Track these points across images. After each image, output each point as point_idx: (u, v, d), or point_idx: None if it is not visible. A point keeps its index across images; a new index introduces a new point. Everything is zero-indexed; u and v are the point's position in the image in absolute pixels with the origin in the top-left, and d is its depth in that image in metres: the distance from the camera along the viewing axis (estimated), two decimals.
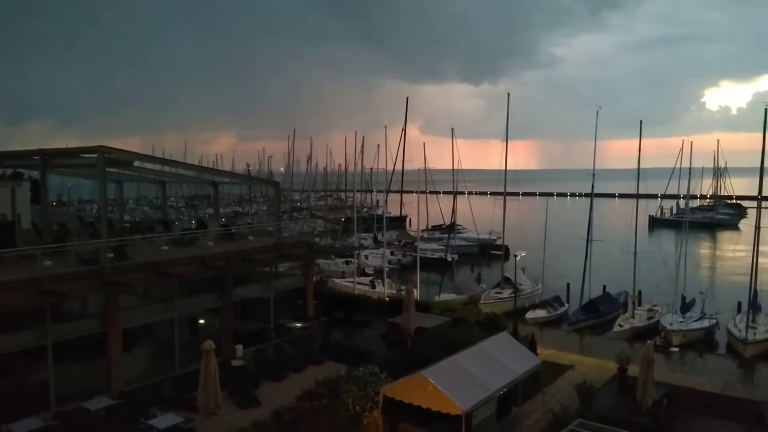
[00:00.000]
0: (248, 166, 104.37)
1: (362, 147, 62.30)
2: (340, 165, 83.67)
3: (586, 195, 40.55)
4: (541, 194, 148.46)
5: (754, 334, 26.91)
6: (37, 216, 25.56)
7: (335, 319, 27.00)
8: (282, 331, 24.30)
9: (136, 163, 24.58)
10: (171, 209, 66.12)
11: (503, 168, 40.05)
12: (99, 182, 21.46)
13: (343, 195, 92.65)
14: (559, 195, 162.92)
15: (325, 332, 24.70)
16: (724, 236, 78.89)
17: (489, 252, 54.24)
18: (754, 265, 29.02)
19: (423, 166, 57.95)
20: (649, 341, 20.77)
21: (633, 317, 31.41)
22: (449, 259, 50.15)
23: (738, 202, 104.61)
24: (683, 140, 70.93)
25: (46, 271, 16.13)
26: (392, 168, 55.92)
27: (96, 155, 20.24)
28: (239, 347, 21.27)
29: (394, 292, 35.41)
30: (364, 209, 78.81)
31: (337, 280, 40.60)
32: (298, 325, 24.76)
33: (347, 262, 44.85)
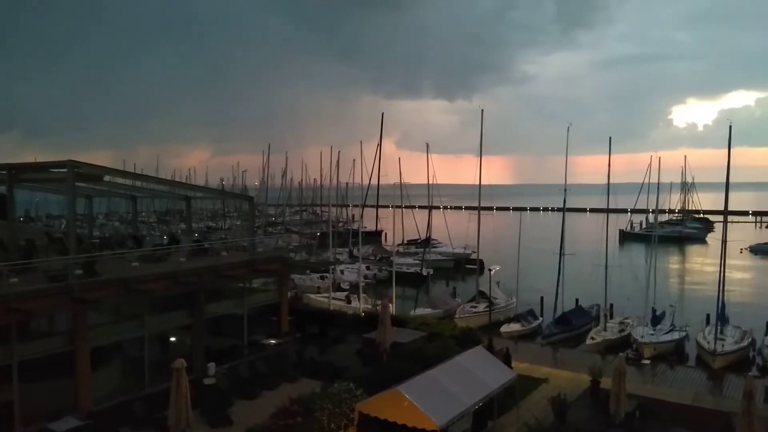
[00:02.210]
0: (222, 180, 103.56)
1: (338, 162, 62.42)
2: (315, 179, 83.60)
3: (559, 209, 41.24)
4: (515, 209, 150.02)
5: (723, 345, 27.47)
6: (3, 232, 24.85)
7: (310, 335, 26.76)
8: (256, 347, 23.97)
9: (107, 178, 24.15)
10: (142, 224, 65.02)
11: (477, 183, 40.49)
12: (68, 197, 21.00)
13: (318, 210, 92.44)
14: (533, 209, 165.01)
15: (300, 348, 24.45)
16: (692, 250, 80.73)
17: (464, 266, 54.63)
18: (722, 278, 29.67)
19: (398, 181, 58.23)
20: (620, 354, 21.02)
21: (605, 330, 31.82)
22: (425, 274, 50.28)
23: (705, 216, 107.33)
24: (652, 156, 72.42)
25: (13, 288, 15.68)
26: (368, 183, 56.16)
27: (65, 170, 19.84)
28: (211, 365, 20.89)
29: (370, 307, 35.29)
30: (340, 224, 78.56)
31: (312, 296, 40.32)
32: (272, 341, 24.45)
33: (322, 277, 44.59)
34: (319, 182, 77.30)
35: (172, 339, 21.88)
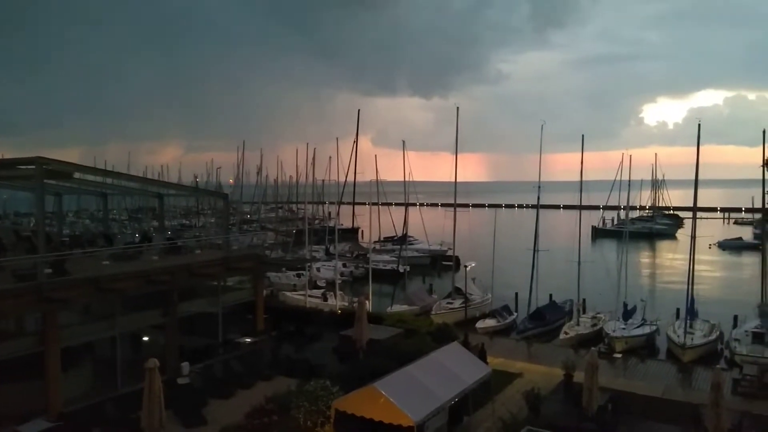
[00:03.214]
0: (196, 177, 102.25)
1: (314, 159, 62.17)
2: (291, 177, 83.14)
3: (533, 206, 41.80)
4: (490, 206, 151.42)
5: (692, 339, 28.09)
6: None
7: (286, 333, 26.62)
8: (230, 346, 23.76)
9: (77, 175, 23.62)
10: (113, 222, 63.83)
11: (453, 180, 40.72)
12: (36, 195, 20.51)
13: (294, 207, 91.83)
14: (508, 206, 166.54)
15: (276, 347, 24.31)
16: (663, 245, 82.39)
17: (440, 263, 54.81)
18: (691, 273, 30.32)
19: (375, 178, 58.33)
20: (593, 348, 21.41)
21: (578, 325, 32.31)
22: (401, 271, 50.37)
23: (675, 212, 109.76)
24: (623, 154, 74.14)
25: None
26: (344, 180, 56.04)
27: (33, 167, 19.36)
28: (185, 364, 20.64)
29: (346, 304, 35.25)
30: (316, 221, 78.26)
31: (288, 293, 40.08)
32: (247, 340, 24.27)
33: (298, 275, 44.36)
34: (294, 179, 76.94)
35: (145, 338, 21.57)
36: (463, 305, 32.83)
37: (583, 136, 38.79)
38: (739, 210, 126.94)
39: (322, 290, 40.18)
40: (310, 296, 36.98)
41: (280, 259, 38.35)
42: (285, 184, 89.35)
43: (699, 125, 31.86)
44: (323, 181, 72.26)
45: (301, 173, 66.52)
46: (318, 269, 48.48)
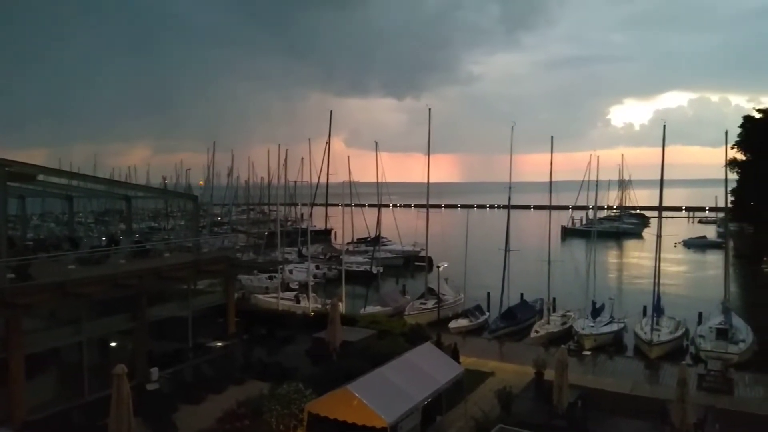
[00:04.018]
0: (165, 179, 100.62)
1: (286, 160, 61.63)
2: (262, 178, 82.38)
3: (504, 207, 42.32)
4: (463, 206, 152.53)
5: (659, 336, 28.74)
6: None
7: (258, 337, 26.37)
8: (201, 351, 23.42)
9: (40, 177, 23.11)
10: (79, 225, 62.35)
11: (426, 181, 40.88)
12: None
13: (266, 209, 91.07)
14: (480, 207, 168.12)
15: (247, 350, 24.05)
16: (630, 244, 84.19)
17: (413, 263, 55.08)
18: (657, 271, 31.05)
19: (348, 179, 58.16)
20: (563, 346, 21.72)
21: (548, 323, 32.77)
22: (374, 272, 50.41)
23: (641, 212, 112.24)
24: (591, 155, 75.57)
25: None
26: (317, 181, 55.75)
27: None
28: (154, 370, 20.27)
29: (319, 306, 35.10)
30: (288, 223, 77.79)
31: (261, 296, 39.72)
32: (218, 344, 23.96)
33: (271, 277, 44.01)
34: (266, 181, 76.21)
35: (113, 344, 21.10)
36: (436, 306, 33.00)
37: (552, 137, 39.39)
38: (703, 209, 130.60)
39: (294, 292, 39.93)
40: (282, 299, 36.71)
41: (252, 262, 37.92)
42: (257, 186, 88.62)
43: (664, 126, 32.72)
44: (295, 182, 71.88)
45: (273, 174, 65.99)
46: (291, 271, 48.21)
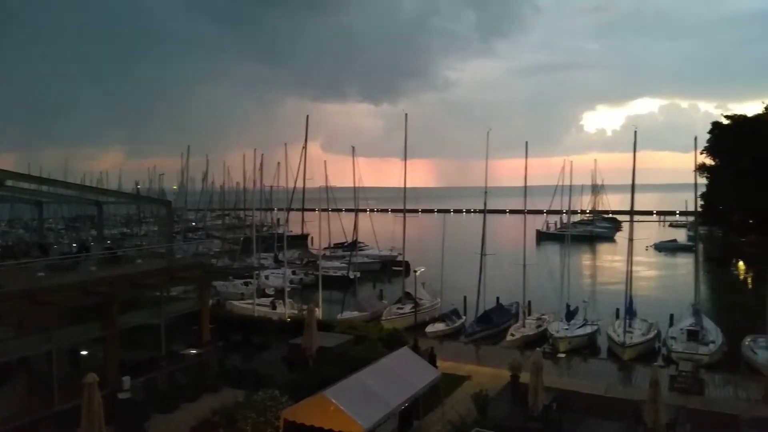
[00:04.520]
0: (137, 184, 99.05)
1: (261, 164, 61.16)
2: (238, 183, 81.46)
3: (480, 211, 42.67)
4: (439, 211, 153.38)
5: (631, 338, 29.19)
6: None
7: (233, 343, 26.08)
8: (175, 358, 23.05)
9: (9, 182, 22.50)
10: (49, 232, 60.94)
11: (403, 186, 40.98)
12: None
13: (241, 214, 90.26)
14: (456, 211, 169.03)
15: (222, 357, 23.78)
16: (603, 248, 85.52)
17: (390, 268, 55.03)
18: (629, 274, 31.59)
19: (324, 184, 57.99)
20: (538, 349, 21.91)
21: (524, 326, 33.06)
22: (351, 277, 50.25)
23: (614, 216, 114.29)
24: (565, 160, 76.64)
25: None
26: (293, 186, 55.47)
27: None
28: (126, 378, 19.85)
29: (296, 312, 34.86)
30: (264, 228, 77.14)
31: (236, 303, 39.28)
32: (192, 351, 23.61)
33: (246, 283, 43.56)
34: (242, 186, 75.46)
35: (84, 352, 20.66)
36: (413, 310, 33.05)
37: (527, 143, 39.96)
38: (673, 213, 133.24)
39: (270, 298, 39.62)
40: (258, 305, 36.37)
41: (227, 268, 37.64)
42: (232, 191, 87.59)
43: (635, 132, 33.46)
44: (271, 187, 71.29)
45: (248, 179, 65.25)
46: (267, 277, 47.80)
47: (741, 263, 66.17)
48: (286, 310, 35.52)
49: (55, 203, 54.28)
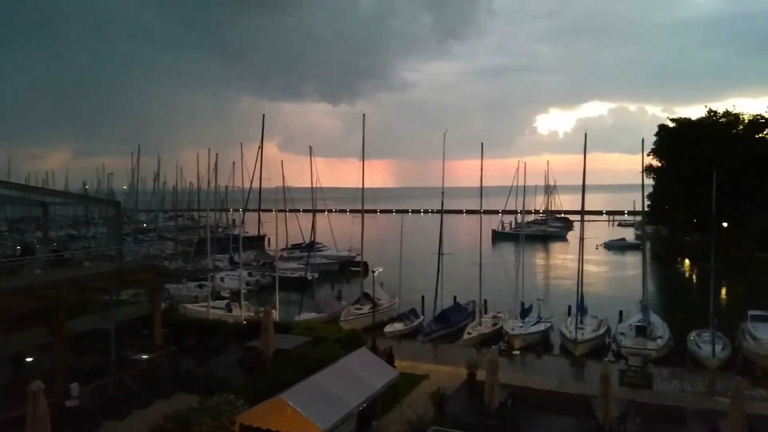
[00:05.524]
0: (85, 184, 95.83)
1: (216, 164, 60.06)
2: (191, 183, 79.86)
3: (437, 211, 43.04)
4: (398, 211, 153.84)
5: (583, 334, 30.02)
6: None
7: (187, 348, 25.45)
8: (125, 364, 22.34)
9: None
10: None
11: (361, 186, 40.97)
12: None
13: (195, 215, 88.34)
14: (414, 212, 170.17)
15: (176, 362, 23.19)
16: (555, 247, 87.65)
17: (349, 269, 54.94)
18: (580, 273, 32.50)
19: (281, 184, 57.38)
20: (493, 346, 22.32)
21: (480, 325, 33.54)
22: (309, 278, 49.94)
23: (566, 216, 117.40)
24: (519, 161, 79.06)
25: None
26: (249, 186, 54.66)
27: None
28: (74, 385, 19.15)
29: (252, 314, 34.34)
30: (219, 229, 75.78)
31: (190, 306, 38.36)
32: (143, 356, 22.94)
33: (201, 286, 42.64)
34: (196, 186, 73.91)
35: (29, 359, 19.80)
36: (372, 310, 33.08)
37: (482, 144, 40.59)
38: (622, 213, 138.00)
39: (226, 301, 38.90)
40: (213, 307, 35.65)
41: (180, 270, 36.66)
42: (185, 191, 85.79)
43: (585, 135, 34.48)
44: (227, 187, 70.16)
45: (202, 179, 63.99)
46: (222, 279, 46.96)
47: (686, 261, 68.98)
48: (242, 312, 34.96)
49: None
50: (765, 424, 17.40)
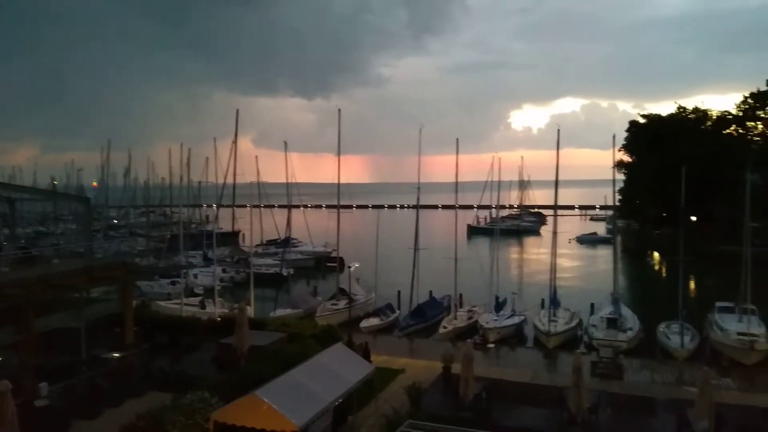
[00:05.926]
0: (54, 180, 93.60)
1: (189, 159, 59.13)
2: (163, 178, 78.60)
3: (413, 207, 43.27)
4: (374, 206, 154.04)
5: (556, 326, 30.43)
6: None
7: (159, 345, 25.12)
8: (96, 362, 21.95)
9: None
10: None
11: (337, 181, 40.81)
12: None
13: (168, 210, 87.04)
14: (390, 207, 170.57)
15: (148, 360, 22.87)
16: (529, 241, 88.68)
17: (324, 264, 54.74)
18: (553, 266, 32.96)
19: (256, 180, 56.83)
20: (468, 340, 22.50)
21: (455, 319, 33.78)
22: (284, 274, 49.60)
23: (539, 210, 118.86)
24: (494, 156, 79.54)
25: None
26: (223, 181, 54.00)
27: None
28: (44, 385, 18.76)
29: (227, 311, 33.99)
30: (192, 225, 74.71)
31: (162, 303, 37.78)
32: (115, 354, 22.58)
33: (173, 283, 42.02)
34: (168, 181, 72.78)
35: None
36: (348, 306, 33.03)
37: (457, 139, 40.79)
38: (593, 207, 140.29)
39: (200, 298, 38.43)
40: (186, 305, 35.20)
41: (152, 267, 36.17)
42: (157, 187, 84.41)
43: (558, 130, 34.92)
44: (200, 182, 69.07)
45: (175, 175, 62.93)
46: (195, 276, 46.36)
47: (656, 254, 70.48)
48: (216, 309, 34.59)
49: None
50: (732, 412, 17.91)
